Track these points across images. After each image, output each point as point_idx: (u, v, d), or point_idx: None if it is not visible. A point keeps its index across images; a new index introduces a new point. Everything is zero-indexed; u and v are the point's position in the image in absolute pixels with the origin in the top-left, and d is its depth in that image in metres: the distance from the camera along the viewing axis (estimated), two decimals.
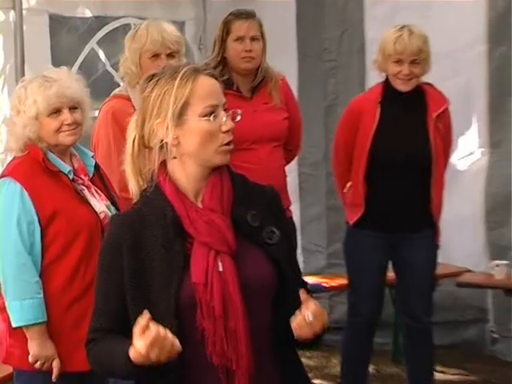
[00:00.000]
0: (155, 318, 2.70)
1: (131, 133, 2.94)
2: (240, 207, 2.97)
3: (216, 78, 2.99)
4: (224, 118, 2.84)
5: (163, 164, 2.92)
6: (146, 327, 2.59)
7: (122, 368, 2.81)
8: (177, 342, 2.61)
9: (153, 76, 2.95)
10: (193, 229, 2.88)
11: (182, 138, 2.86)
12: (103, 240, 3.19)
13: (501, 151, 7.60)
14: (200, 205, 2.92)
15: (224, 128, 2.82)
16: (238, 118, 2.75)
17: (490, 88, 7.60)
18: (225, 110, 2.90)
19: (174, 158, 2.89)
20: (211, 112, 2.82)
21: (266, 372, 2.96)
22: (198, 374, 2.97)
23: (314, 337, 2.85)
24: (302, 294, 2.84)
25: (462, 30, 7.44)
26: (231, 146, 2.91)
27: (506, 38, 7.51)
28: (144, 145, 2.89)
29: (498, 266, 7.33)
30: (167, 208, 2.91)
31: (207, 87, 2.89)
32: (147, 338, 2.58)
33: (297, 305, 2.88)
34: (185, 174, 2.92)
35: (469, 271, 7.59)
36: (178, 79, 2.86)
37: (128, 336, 2.77)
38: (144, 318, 2.58)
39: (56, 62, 6.05)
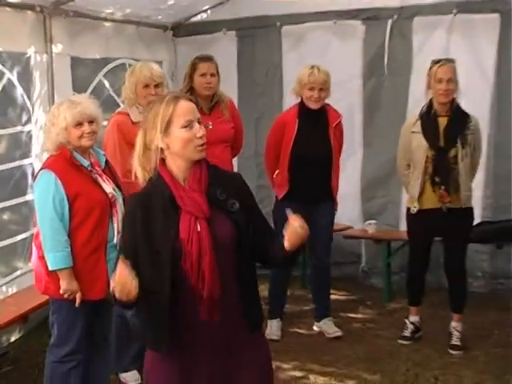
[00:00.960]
0: (159, 264, 3.21)
1: (138, 140, 3.28)
2: (212, 187, 3.29)
3: (191, 101, 3.29)
4: (198, 128, 3.19)
5: (162, 160, 3.27)
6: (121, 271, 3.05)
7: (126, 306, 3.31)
8: (134, 289, 3.01)
9: (150, 103, 3.42)
10: (181, 202, 3.25)
11: (170, 144, 3.21)
12: (124, 211, 3.59)
13: (372, 149, 8.03)
14: (186, 186, 3.27)
15: (198, 134, 3.18)
16: (210, 127, 3.39)
17: (364, 108, 7.95)
18: (199, 122, 3.21)
19: (166, 156, 3.25)
20: (188, 124, 3.18)
21: (231, 300, 3.25)
22: (183, 300, 3.23)
23: (299, 247, 3.22)
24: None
25: (347, 68, 7.68)
26: (205, 146, 3.23)
27: (375, 75, 7.88)
28: (147, 148, 3.26)
29: (369, 224, 7.87)
30: (165, 189, 3.26)
31: (184, 108, 3.21)
32: (115, 277, 3.06)
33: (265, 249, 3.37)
34: (176, 166, 3.26)
35: (351, 228, 8.09)
36: (164, 104, 3.20)
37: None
38: (123, 265, 3.05)
39: (76, 89, 6.40)
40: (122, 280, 3.06)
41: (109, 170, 5.01)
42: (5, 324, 5.40)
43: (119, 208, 4.89)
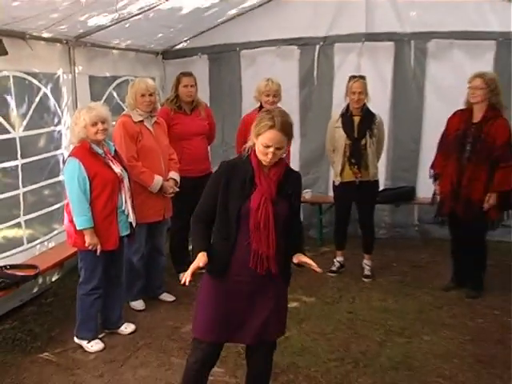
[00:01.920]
0: (230, 216, 3.34)
1: (252, 136, 3.38)
2: (283, 182, 3.39)
3: (283, 132, 3.28)
4: (271, 151, 3.27)
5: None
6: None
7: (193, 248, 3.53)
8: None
9: (262, 113, 3.44)
10: (258, 183, 3.33)
11: (256, 145, 3.34)
12: (217, 170, 3.50)
13: (306, 139, 8.00)
14: (267, 173, 3.38)
15: (268, 155, 3.28)
16: (282, 150, 3.31)
17: (300, 109, 7.94)
18: (277, 148, 3.29)
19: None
20: (266, 146, 3.27)
21: (280, 260, 3.39)
22: (245, 255, 3.35)
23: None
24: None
25: (287, 80, 7.24)
26: (269, 162, 3.33)
27: (308, 85, 7.89)
28: (252, 139, 3.35)
29: (306, 192, 7.69)
30: (249, 170, 3.36)
31: (271, 135, 3.26)
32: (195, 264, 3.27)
33: (296, 224, 3.53)
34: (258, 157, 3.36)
35: None
36: (265, 121, 3.29)
37: (211, 220, 3.45)
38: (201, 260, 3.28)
39: (93, 99, 6.34)
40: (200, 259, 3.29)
41: (117, 156, 5.02)
42: (47, 268, 5.43)
43: (125, 183, 4.93)
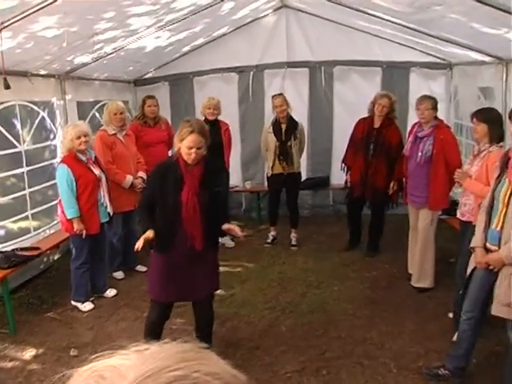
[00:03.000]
0: (167, 207, 3.45)
1: (176, 141, 3.45)
2: (206, 175, 3.49)
3: (201, 135, 3.37)
4: (194, 151, 3.35)
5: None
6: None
7: (142, 228, 3.62)
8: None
9: (183, 123, 3.49)
10: (186, 180, 3.42)
11: (181, 149, 3.40)
12: (152, 171, 3.67)
13: (245, 143, 7.95)
14: (191, 171, 3.44)
15: (191, 155, 3.37)
16: (202, 149, 3.42)
17: (240, 120, 7.97)
18: (198, 148, 3.36)
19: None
20: (190, 147, 3.35)
21: (204, 236, 3.53)
22: (178, 237, 3.50)
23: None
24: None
25: (229, 99, 7.52)
26: (194, 160, 3.39)
27: (244, 102, 7.94)
28: (177, 145, 3.42)
29: (247, 183, 8.00)
30: (178, 170, 3.43)
31: (192, 138, 3.33)
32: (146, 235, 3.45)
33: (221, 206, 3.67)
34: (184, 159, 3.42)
35: (237, 186, 8.02)
36: (186, 128, 3.36)
37: (152, 208, 3.54)
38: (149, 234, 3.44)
39: (80, 118, 6.29)
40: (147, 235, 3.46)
41: (97, 162, 5.11)
42: (48, 249, 5.48)
43: (103, 182, 5.04)
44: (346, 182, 6.46)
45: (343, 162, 6.42)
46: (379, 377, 3.88)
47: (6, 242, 5.39)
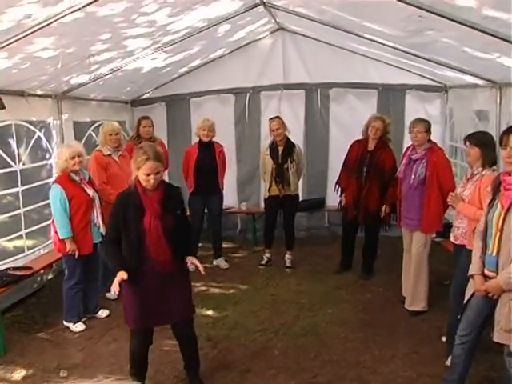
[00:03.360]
0: (131, 235, 3.41)
1: (133, 169, 3.45)
2: (166, 198, 3.49)
3: (157, 161, 3.36)
4: (152, 177, 3.37)
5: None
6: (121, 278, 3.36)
7: (112, 267, 3.54)
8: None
9: (139, 149, 3.47)
10: (147, 206, 3.42)
11: (139, 176, 3.41)
12: (114, 202, 3.57)
13: (241, 164, 8.02)
14: (150, 196, 3.44)
15: (150, 181, 3.38)
16: (160, 173, 3.44)
17: (236, 141, 7.97)
18: (156, 173, 3.38)
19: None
20: (148, 174, 3.36)
21: (172, 259, 3.51)
22: (146, 265, 3.46)
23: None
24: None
25: (225, 120, 7.65)
26: (152, 186, 3.40)
27: (241, 123, 7.97)
28: (134, 173, 3.43)
29: (243, 205, 7.96)
30: (138, 196, 3.43)
31: (148, 165, 3.34)
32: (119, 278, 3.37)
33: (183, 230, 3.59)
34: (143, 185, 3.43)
35: (233, 207, 7.98)
36: (141, 156, 3.36)
37: (119, 240, 3.47)
38: (122, 276, 3.35)
39: (76, 138, 6.42)
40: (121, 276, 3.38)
41: (90, 182, 5.11)
42: (40, 269, 5.47)
43: (97, 202, 5.01)
44: (339, 204, 6.43)
45: (337, 183, 6.43)
46: None
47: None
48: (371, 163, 5.93)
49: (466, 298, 3.58)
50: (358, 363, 4.38)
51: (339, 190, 6.41)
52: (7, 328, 5.09)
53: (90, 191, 4.95)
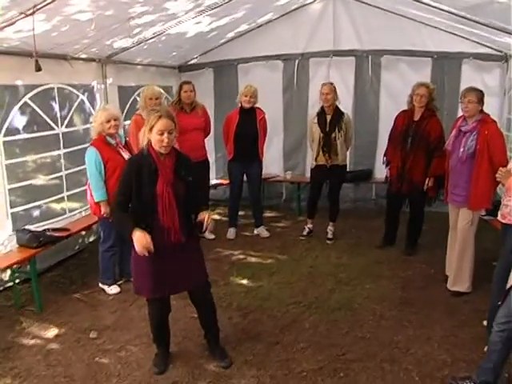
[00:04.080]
0: (143, 201, 3.33)
1: (142, 132, 3.41)
2: (178, 165, 3.42)
3: (170, 119, 3.32)
4: (166, 136, 3.30)
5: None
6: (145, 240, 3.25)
7: (125, 234, 3.41)
8: (149, 243, 3.23)
9: (150, 112, 3.47)
10: (161, 171, 3.35)
11: (151, 139, 3.34)
12: (125, 166, 3.52)
13: (288, 132, 7.90)
14: (163, 162, 3.38)
15: (164, 139, 3.30)
16: (173, 133, 3.36)
17: (283, 108, 7.85)
18: (169, 132, 3.31)
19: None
20: (161, 132, 3.29)
21: (185, 230, 3.47)
22: (157, 231, 3.38)
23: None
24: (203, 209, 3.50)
25: (273, 86, 7.63)
26: (167, 148, 3.32)
27: (289, 90, 7.77)
28: (147, 136, 3.37)
29: (287, 173, 7.82)
30: (152, 161, 3.36)
31: (162, 122, 3.28)
32: (140, 242, 3.24)
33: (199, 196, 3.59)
34: (156, 149, 3.36)
35: (278, 176, 7.93)
36: (153, 116, 3.32)
37: (128, 205, 3.38)
38: (146, 239, 3.23)
39: (120, 104, 6.57)
40: (142, 241, 3.25)
41: (127, 146, 5.06)
42: (77, 231, 5.50)
43: None
44: (386, 177, 6.18)
45: (385, 155, 6.16)
46: None
47: (41, 222, 5.45)
48: (416, 133, 5.60)
49: (510, 283, 3.32)
50: (391, 343, 4.18)
51: (386, 162, 6.15)
52: (46, 287, 5.24)
53: (126, 155, 4.88)
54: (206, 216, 3.45)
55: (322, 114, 6.28)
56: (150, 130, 3.33)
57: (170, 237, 3.43)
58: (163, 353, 3.90)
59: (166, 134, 3.32)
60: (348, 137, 6.42)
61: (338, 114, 6.25)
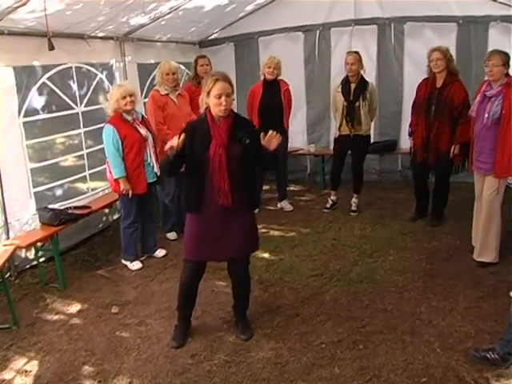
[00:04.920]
0: (195, 163, 3.33)
1: (201, 98, 3.38)
2: (235, 128, 3.36)
3: (227, 82, 3.29)
4: (224, 99, 3.26)
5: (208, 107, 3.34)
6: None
7: (167, 160, 3.32)
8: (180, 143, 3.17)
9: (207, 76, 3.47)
10: (213, 134, 3.32)
11: (209, 103, 3.31)
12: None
13: (311, 104, 7.80)
14: (219, 125, 3.35)
15: (223, 103, 3.26)
16: (231, 96, 3.31)
17: (306, 80, 7.73)
18: (227, 95, 3.27)
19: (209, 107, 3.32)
20: (219, 95, 3.26)
21: (237, 192, 3.41)
22: (209, 187, 3.38)
23: (274, 152, 3.38)
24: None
25: (295, 58, 7.51)
26: (226, 111, 3.29)
27: (311, 61, 7.67)
28: (205, 101, 3.34)
29: (311, 146, 7.72)
30: (206, 124, 3.34)
31: (219, 85, 3.24)
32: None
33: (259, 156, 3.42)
34: (214, 113, 3.33)
35: (301, 149, 7.81)
36: (210, 80, 3.29)
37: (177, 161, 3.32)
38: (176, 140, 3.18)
39: (141, 81, 6.56)
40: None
41: (144, 122, 5.01)
42: (98, 209, 5.48)
43: (150, 142, 4.93)
44: (410, 148, 5.96)
45: (410, 126, 5.93)
46: (420, 356, 3.51)
47: (64, 201, 5.47)
48: (439, 100, 5.37)
49: None
50: (413, 314, 4.05)
51: (411, 132, 5.92)
52: (71, 265, 5.29)
53: (143, 131, 4.86)
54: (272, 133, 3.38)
55: (346, 82, 6.13)
56: (208, 94, 3.30)
57: (222, 200, 3.39)
58: (183, 325, 3.85)
59: (223, 97, 3.28)
60: (372, 107, 6.24)
61: (362, 82, 6.09)
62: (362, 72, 6.08)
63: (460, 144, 5.34)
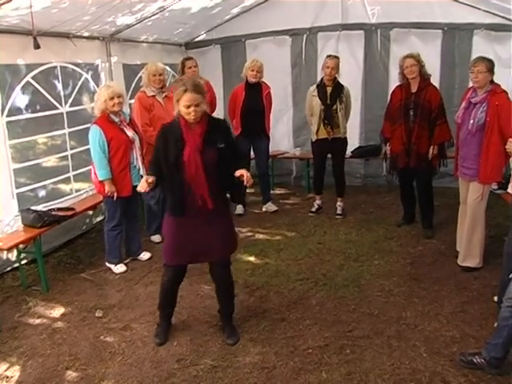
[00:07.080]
0: (170, 167, 3.29)
1: (174, 103, 3.32)
2: (209, 132, 3.33)
3: (196, 92, 3.23)
4: (192, 109, 3.22)
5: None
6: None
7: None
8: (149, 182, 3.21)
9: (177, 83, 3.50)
10: (187, 138, 3.28)
11: (179, 110, 3.28)
12: (156, 135, 3.45)
13: (297, 108, 7.70)
14: (193, 129, 3.31)
15: (191, 114, 3.23)
16: (201, 105, 3.26)
17: (292, 83, 7.72)
18: (196, 105, 3.22)
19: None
20: (187, 106, 3.21)
21: (215, 199, 3.40)
22: (186, 200, 3.37)
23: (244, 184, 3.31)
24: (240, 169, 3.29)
25: (281, 62, 7.52)
26: (195, 119, 3.24)
27: (297, 65, 7.64)
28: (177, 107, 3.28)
29: (296, 150, 7.72)
30: (179, 129, 3.30)
31: (187, 97, 3.20)
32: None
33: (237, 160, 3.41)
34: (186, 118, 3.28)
35: (287, 153, 7.84)
36: (180, 89, 3.23)
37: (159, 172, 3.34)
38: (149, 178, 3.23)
39: (126, 82, 6.48)
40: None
41: (131, 123, 4.96)
42: (82, 210, 5.43)
43: (136, 144, 4.88)
44: (384, 153, 5.98)
45: (381, 133, 5.96)
46: (406, 360, 3.50)
47: (47, 202, 5.39)
48: (417, 104, 5.39)
49: None
50: (399, 319, 4.05)
51: (384, 140, 5.96)
52: (54, 267, 5.22)
53: (130, 133, 4.82)
54: (243, 171, 3.32)
55: (321, 86, 6.14)
56: (178, 101, 3.29)
57: (199, 204, 3.38)
58: (164, 324, 3.87)
59: (192, 108, 3.26)
60: (348, 109, 6.33)
61: (338, 85, 6.13)
62: (337, 76, 6.11)
63: (438, 145, 5.43)
